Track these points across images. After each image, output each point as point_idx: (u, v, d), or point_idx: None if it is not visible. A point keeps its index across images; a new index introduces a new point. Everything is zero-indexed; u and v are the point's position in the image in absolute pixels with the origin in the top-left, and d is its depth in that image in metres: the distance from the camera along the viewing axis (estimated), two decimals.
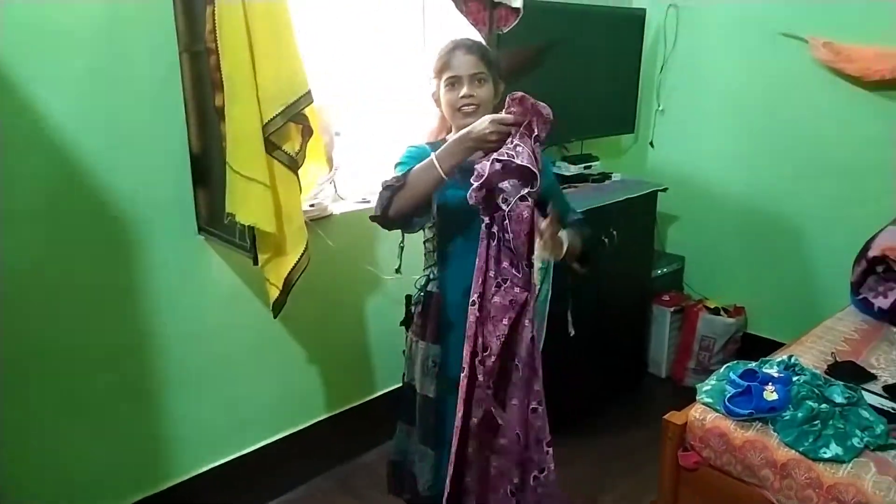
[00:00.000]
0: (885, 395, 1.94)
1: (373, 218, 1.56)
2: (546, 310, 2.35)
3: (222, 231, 2.03)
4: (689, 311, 3.28)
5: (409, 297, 1.81)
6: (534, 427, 1.60)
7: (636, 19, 3.21)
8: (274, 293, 1.99)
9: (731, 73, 3.23)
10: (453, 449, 1.58)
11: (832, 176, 2.98)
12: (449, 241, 1.68)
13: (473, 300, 1.50)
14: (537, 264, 1.52)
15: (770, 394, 1.83)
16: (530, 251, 1.50)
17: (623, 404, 3.09)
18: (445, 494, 1.62)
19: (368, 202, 2.47)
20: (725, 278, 3.44)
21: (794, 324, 2.88)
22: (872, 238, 2.55)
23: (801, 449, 1.70)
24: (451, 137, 1.54)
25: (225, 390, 2.26)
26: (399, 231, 1.67)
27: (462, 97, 1.59)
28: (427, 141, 1.75)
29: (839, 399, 1.81)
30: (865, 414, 1.78)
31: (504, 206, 1.42)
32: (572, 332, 1.90)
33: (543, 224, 1.46)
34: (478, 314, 1.50)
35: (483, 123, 1.44)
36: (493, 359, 1.50)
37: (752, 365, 2.01)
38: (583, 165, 3.04)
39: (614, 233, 2.75)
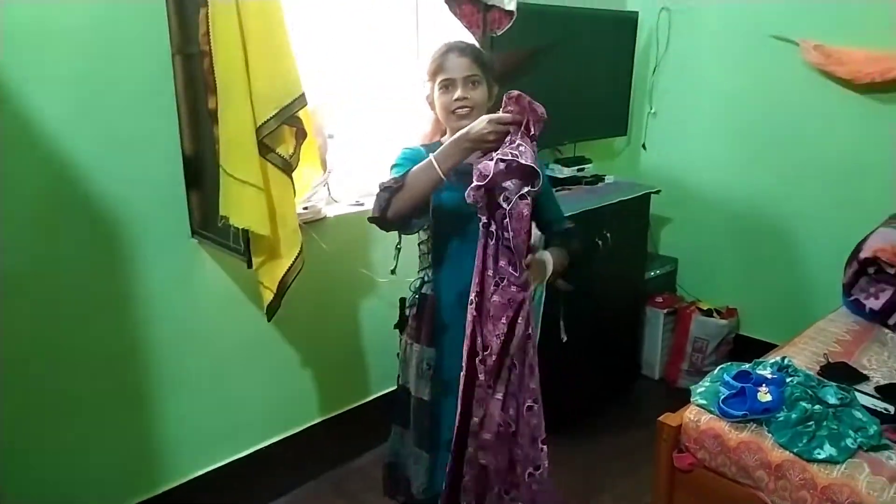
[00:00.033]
0: (878, 395, 1.95)
1: (371, 219, 1.56)
2: (541, 311, 2.35)
3: (216, 234, 2.02)
4: (682, 312, 3.28)
5: (402, 300, 1.80)
6: (529, 424, 1.59)
7: (629, 22, 3.22)
8: (268, 296, 1.98)
9: (722, 75, 3.25)
10: (452, 447, 1.58)
11: (823, 178, 3.00)
12: (444, 243, 1.68)
13: (472, 299, 1.50)
14: None
15: (764, 395, 1.83)
16: (528, 249, 1.50)
17: (617, 406, 3.09)
18: (444, 494, 1.62)
19: (362, 205, 2.46)
20: (718, 280, 3.45)
21: (786, 325, 2.90)
22: (864, 240, 2.56)
23: (795, 450, 1.71)
24: (446, 139, 1.55)
25: (219, 394, 2.25)
26: (395, 233, 1.67)
27: (456, 99, 1.60)
28: (421, 143, 1.75)
29: (832, 400, 1.82)
30: (858, 415, 1.79)
31: (505, 205, 1.43)
32: (565, 339, 1.90)
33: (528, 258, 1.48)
34: (475, 313, 1.50)
35: (481, 123, 1.44)
36: (493, 358, 1.51)
37: (746, 366, 2.02)
38: (576, 168, 3.05)
39: (608, 235, 2.75)
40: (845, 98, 2.86)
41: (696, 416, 1.92)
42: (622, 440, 2.80)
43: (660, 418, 1.99)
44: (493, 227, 1.47)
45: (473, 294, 1.50)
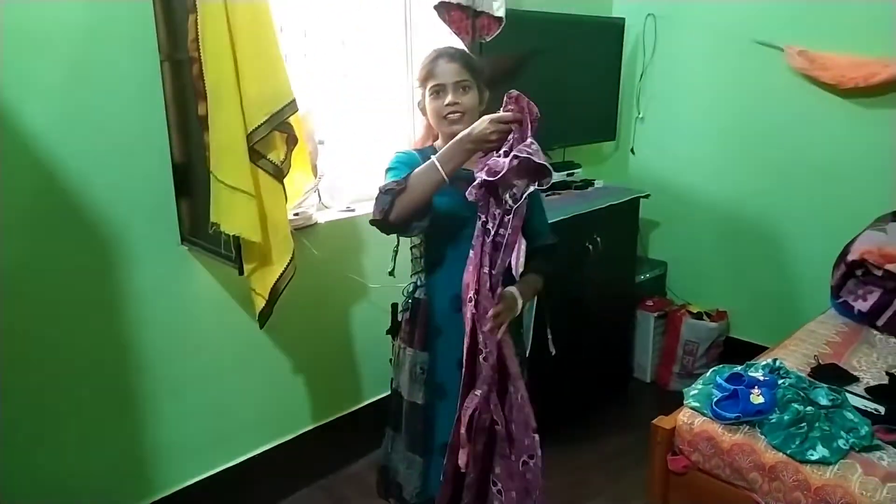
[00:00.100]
0: (868, 396, 1.97)
1: (373, 222, 1.55)
2: (532, 316, 2.35)
3: (206, 241, 2.01)
4: (672, 315, 3.30)
5: (395, 306, 1.80)
6: (522, 411, 1.60)
7: (615, 28, 3.25)
8: (260, 303, 1.97)
9: (708, 80, 3.28)
10: (451, 444, 1.58)
11: (810, 181, 3.03)
12: (436, 247, 1.68)
13: (470, 297, 1.50)
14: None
15: (756, 397, 1.84)
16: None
17: (609, 409, 3.10)
18: (443, 494, 1.61)
19: (353, 210, 2.45)
20: (708, 283, 3.47)
21: (775, 327, 2.92)
22: (851, 242, 2.58)
23: (788, 451, 1.72)
24: (439, 145, 1.54)
25: (211, 402, 2.23)
26: (391, 236, 1.66)
27: (447, 105, 1.60)
28: (414, 148, 1.75)
29: (824, 401, 1.83)
30: (850, 416, 1.80)
31: (512, 202, 1.43)
32: (553, 351, 1.90)
33: (491, 311, 1.48)
34: (475, 311, 1.50)
35: (483, 124, 1.44)
36: (494, 356, 1.51)
37: (738, 369, 2.03)
38: (565, 173, 3.06)
39: (598, 239, 2.77)
40: (830, 102, 2.89)
41: (690, 418, 1.92)
42: (615, 443, 2.80)
43: (654, 421, 1.99)
44: (490, 225, 1.46)
45: (472, 292, 1.49)
